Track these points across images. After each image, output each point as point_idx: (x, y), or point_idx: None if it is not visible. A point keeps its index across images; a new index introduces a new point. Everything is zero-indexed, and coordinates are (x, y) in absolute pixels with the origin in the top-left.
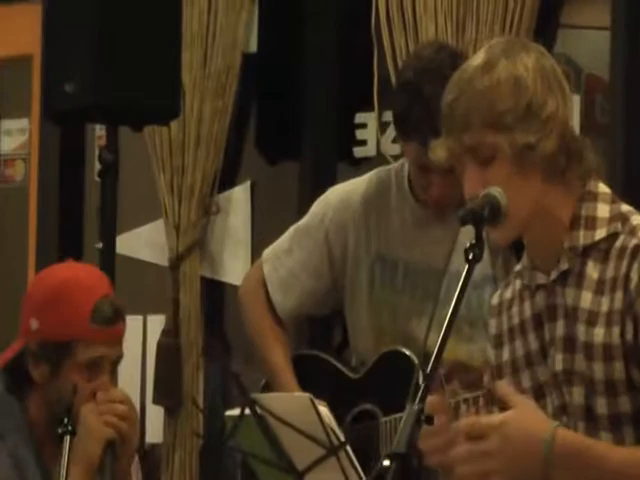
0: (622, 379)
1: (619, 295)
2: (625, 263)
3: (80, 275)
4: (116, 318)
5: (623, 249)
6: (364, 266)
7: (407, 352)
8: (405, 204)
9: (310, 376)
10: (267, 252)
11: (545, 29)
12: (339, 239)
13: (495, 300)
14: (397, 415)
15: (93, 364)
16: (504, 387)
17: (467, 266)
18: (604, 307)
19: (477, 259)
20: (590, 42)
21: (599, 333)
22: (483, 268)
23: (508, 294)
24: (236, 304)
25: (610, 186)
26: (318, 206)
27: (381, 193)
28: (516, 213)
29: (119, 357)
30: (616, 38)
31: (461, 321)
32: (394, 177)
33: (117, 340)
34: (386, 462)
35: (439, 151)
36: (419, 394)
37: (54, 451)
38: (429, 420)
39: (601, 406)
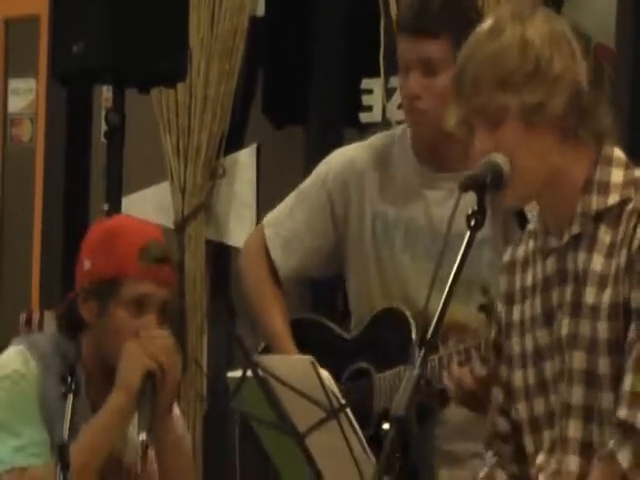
0: (623, 338)
1: (624, 253)
2: (632, 224)
3: (134, 221)
4: (164, 259)
5: (634, 211)
6: (366, 223)
7: (401, 308)
8: (408, 165)
9: (308, 339)
10: (268, 216)
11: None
12: (341, 197)
13: (507, 257)
14: (390, 372)
15: (139, 302)
16: None
17: (469, 233)
18: (613, 268)
19: (479, 226)
20: (598, 11)
21: (607, 294)
22: (481, 230)
23: (521, 252)
24: (237, 268)
25: None
26: (320, 168)
27: (384, 154)
28: (527, 174)
29: (166, 300)
30: (622, 6)
31: (459, 283)
32: (397, 139)
33: (164, 281)
34: (385, 425)
35: (451, 116)
36: (418, 359)
37: (103, 390)
38: (428, 385)
39: (604, 366)
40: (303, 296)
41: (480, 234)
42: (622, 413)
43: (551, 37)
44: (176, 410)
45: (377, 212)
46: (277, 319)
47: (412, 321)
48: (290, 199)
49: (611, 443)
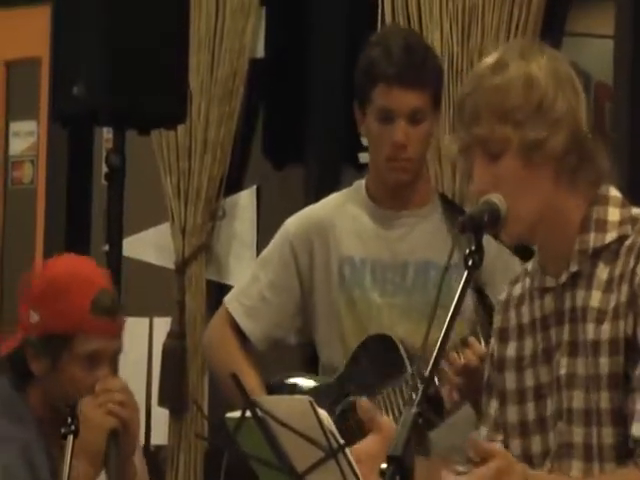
0: (622, 372)
1: (625, 289)
2: (633, 259)
3: (79, 268)
4: (115, 310)
5: (632, 247)
6: (333, 270)
7: (381, 333)
8: (364, 210)
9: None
10: (228, 295)
11: (550, 36)
12: (305, 248)
13: (503, 296)
14: (383, 393)
15: (93, 357)
16: (483, 444)
17: (466, 273)
18: (612, 303)
19: (477, 266)
20: (598, 50)
21: (606, 329)
22: (454, 257)
23: (517, 291)
24: (203, 349)
25: None
26: (278, 234)
27: (339, 207)
28: (523, 210)
29: (118, 350)
30: (620, 46)
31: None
32: (352, 194)
33: (117, 333)
34: (383, 465)
35: (451, 144)
36: (417, 398)
37: (58, 444)
38: (428, 424)
39: (605, 401)
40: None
41: (453, 261)
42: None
43: (556, 77)
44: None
45: (343, 258)
46: (252, 379)
47: (397, 340)
48: (252, 270)
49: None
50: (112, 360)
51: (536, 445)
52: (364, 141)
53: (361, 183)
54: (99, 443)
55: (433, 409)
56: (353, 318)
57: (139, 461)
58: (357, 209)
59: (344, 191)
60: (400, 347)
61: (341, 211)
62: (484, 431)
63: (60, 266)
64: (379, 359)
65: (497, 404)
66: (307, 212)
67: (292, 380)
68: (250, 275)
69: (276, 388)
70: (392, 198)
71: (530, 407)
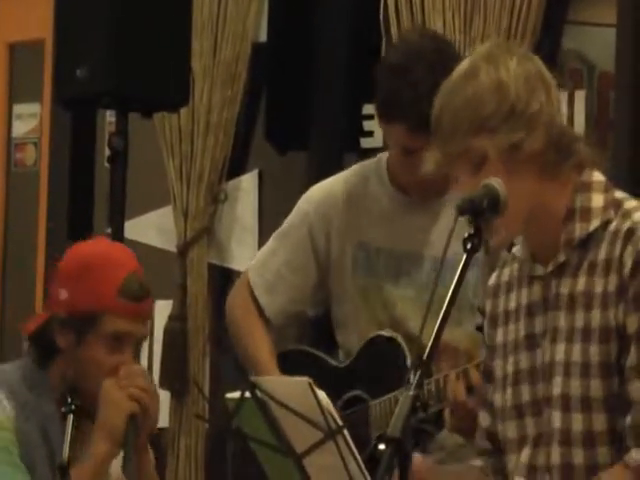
0: (614, 361)
1: (613, 278)
2: (619, 246)
3: (111, 250)
4: (143, 295)
5: (616, 232)
6: (348, 254)
7: (393, 335)
8: (385, 193)
9: (297, 369)
10: (252, 263)
11: (552, 25)
12: (322, 231)
13: (492, 281)
14: (385, 397)
15: (117, 338)
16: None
17: (465, 256)
18: (598, 288)
19: (476, 249)
20: (601, 39)
21: (596, 317)
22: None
23: (505, 276)
24: (225, 310)
25: (616, 183)
26: (299, 205)
27: (360, 185)
28: (511, 215)
29: (143, 336)
30: (622, 35)
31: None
32: (373, 169)
33: (143, 317)
34: (381, 446)
35: (430, 162)
36: (414, 381)
37: (81, 416)
38: (425, 407)
39: (595, 389)
40: (304, 334)
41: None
42: None
43: (525, 78)
44: None
45: (359, 242)
46: (263, 351)
47: (405, 347)
48: (271, 241)
49: (638, 455)
50: (136, 345)
51: (512, 431)
52: (366, 126)
53: (383, 160)
54: (119, 425)
55: (434, 422)
56: (367, 307)
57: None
58: (379, 188)
59: (368, 163)
60: (407, 355)
61: (364, 187)
62: (487, 419)
63: (92, 247)
64: (382, 364)
65: (491, 390)
66: (329, 187)
67: (307, 349)
68: (269, 246)
69: (291, 358)
70: (413, 187)
71: (508, 393)
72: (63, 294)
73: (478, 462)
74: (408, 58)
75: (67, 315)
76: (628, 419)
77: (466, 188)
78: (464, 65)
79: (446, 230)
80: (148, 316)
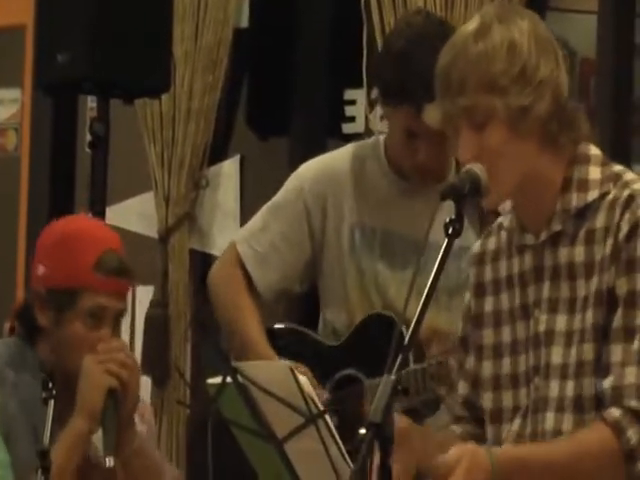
0: (604, 323)
1: (609, 242)
2: (617, 213)
3: (90, 226)
4: (121, 271)
5: (615, 200)
6: (344, 233)
7: (390, 314)
8: (383, 176)
9: (288, 347)
10: (239, 233)
11: (534, 11)
12: (318, 208)
13: (476, 249)
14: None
15: (95, 314)
16: (439, 464)
17: (446, 240)
18: (597, 256)
19: (457, 234)
20: (583, 25)
21: (594, 282)
22: (461, 239)
23: (492, 245)
24: (208, 285)
25: None
26: (292, 181)
27: (357, 165)
28: (506, 177)
29: (122, 311)
30: (603, 22)
31: (440, 291)
32: (370, 151)
33: (120, 293)
34: (362, 430)
35: (434, 114)
36: (396, 364)
37: (64, 396)
38: (405, 391)
39: (588, 352)
40: (289, 310)
41: (459, 242)
42: (633, 403)
43: (537, 42)
44: (141, 406)
45: (355, 223)
46: (253, 327)
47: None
48: (263, 214)
49: (617, 413)
50: (115, 321)
51: (507, 400)
52: (348, 111)
53: (380, 143)
54: (96, 401)
55: (428, 406)
56: (360, 288)
57: (157, 454)
58: (377, 171)
59: (363, 144)
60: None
61: (361, 168)
62: (466, 389)
63: (71, 223)
64: (379, 343)
65: (473, 359)
66: (324, 164)
67: (298, 328)
68: (260, 219)
69: (282, 335)
70: (415, 171)
71: (506, 362)
72: (40, 269)
73: (455, 428)
74: (413, 44)
75: (46, 291)
76: (607, 381)
77: (468, 145)
78: (474, 22)
79: (445, 215)
80: (126, 291)
